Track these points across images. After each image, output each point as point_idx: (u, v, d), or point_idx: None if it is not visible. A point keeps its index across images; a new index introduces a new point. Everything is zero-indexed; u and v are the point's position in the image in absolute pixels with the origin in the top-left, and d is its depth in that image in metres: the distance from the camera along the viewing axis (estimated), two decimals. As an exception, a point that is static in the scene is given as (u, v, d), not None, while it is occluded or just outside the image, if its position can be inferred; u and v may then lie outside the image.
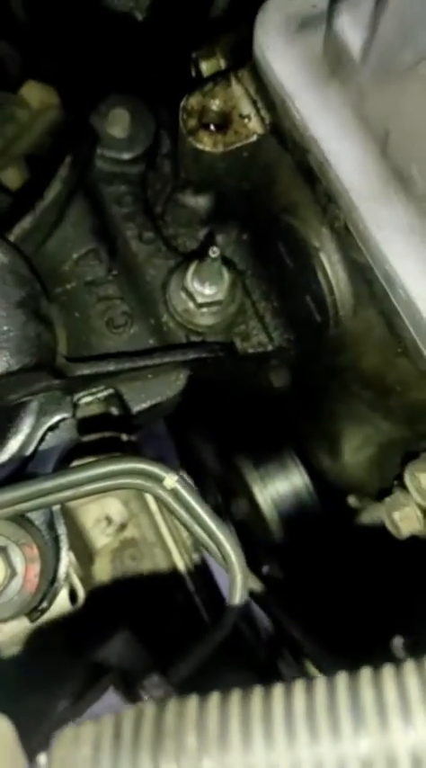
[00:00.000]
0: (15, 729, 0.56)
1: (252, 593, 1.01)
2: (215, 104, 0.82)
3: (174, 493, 0.74)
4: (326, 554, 1.10)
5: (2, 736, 0.56)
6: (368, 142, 0.71)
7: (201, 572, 1.09)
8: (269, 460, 1.11)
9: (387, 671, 0.51)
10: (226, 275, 0.88)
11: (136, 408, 0.88)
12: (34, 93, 1.06)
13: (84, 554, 1.05)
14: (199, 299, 0.88)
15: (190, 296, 0.88)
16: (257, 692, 0.51)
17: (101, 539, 1.08)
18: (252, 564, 1.25)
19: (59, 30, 1.07)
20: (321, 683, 0.51)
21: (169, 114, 0.91)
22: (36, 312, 0.79)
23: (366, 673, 0.51)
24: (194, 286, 0.88)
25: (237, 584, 0.78)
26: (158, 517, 1.09)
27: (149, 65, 0.99)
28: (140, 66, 0.99)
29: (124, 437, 1.06)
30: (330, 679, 0.51)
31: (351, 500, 1.03)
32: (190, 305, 0.89)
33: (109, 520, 1.10)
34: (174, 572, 1.08)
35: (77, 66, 1.06)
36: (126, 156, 0.93)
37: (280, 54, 0.75)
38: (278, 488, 1.11)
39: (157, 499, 0.77)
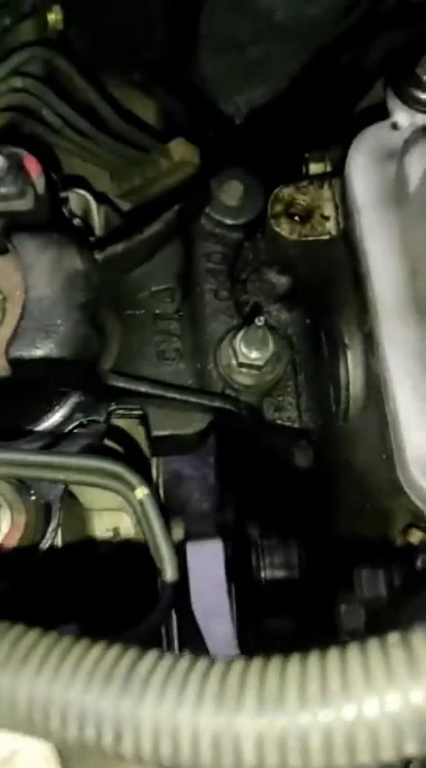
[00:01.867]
0: None
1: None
2: (303, 199, 0.93)
3: (141, 504, 0.83)
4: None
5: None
6: (404, 266, 0.79)
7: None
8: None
9: None
10: (271, 346, 0.97)
11: (155, 432, 0.97)
12: (180, 149, 1.20)
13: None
14: (241, 359, 0.97)
15: (235, 354, 0.98)
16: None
17: (103, 548, 1.17)
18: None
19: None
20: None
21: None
22: (92, 317, 0.91)
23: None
24: (240, 346, 0.97)
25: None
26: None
27: (275, 152, 1.10)
28: (269, 150, 1.11)
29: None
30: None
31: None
32: (233, 361, 0.98)
33: (116, 532, 1.18)
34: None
35: (222, 136, 1.19)
36: (229, 221, 1.05)
37: (363, 173, 0.84)
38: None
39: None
